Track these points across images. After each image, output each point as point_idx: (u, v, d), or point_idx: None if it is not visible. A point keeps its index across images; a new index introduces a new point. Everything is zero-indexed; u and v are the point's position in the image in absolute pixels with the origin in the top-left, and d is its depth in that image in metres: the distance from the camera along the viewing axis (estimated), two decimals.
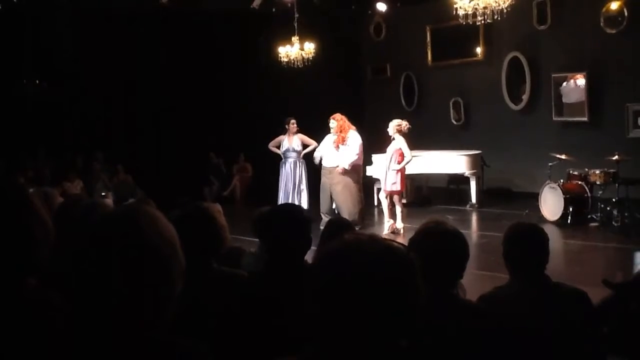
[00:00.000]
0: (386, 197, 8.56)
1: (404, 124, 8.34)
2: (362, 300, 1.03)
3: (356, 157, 8.49)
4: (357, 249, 1.08)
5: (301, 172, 9.29)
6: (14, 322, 1.33)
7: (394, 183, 8.33)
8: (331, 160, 8.59)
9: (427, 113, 12.64)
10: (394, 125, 8.33)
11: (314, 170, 9.22)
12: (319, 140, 9.02)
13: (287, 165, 9.33)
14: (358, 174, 8.72)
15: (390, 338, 1.05)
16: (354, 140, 8.52)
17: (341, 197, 8.51)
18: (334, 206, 8.74)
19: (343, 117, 8.61)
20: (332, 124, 8.57)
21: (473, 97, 12.17)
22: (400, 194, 8.61)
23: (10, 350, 1.30)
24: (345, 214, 8.17)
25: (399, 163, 8.29)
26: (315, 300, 1.07)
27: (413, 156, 8.69)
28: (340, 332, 1.04)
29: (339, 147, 8.51)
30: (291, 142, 9.30)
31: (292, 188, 9.26)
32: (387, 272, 1.05)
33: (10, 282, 1.39)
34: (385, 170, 8.49)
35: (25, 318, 1.35)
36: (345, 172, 8.48)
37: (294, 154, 9.30)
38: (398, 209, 8.51)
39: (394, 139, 8.35)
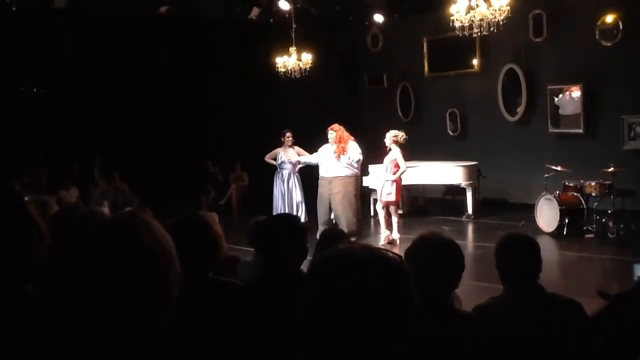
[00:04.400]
0: (382, 208, 8.56)
1: (401, 135, 8.36)
2: (354, 308, 1.03)
3: (360, 156, 8.48)
4: (351, 257, 1.08)
5: (294, 184, 9.30)
6: (11, 328, 1.33)
7: (389, 193, 8.34)
8: (331, 171, 8.56)
9: (424, 124, 12.68)
10: (391, 136, 8.36)
11: (310, 182, 9.22)
12: (315, 150, 9.03)
13: (281, 176, 9.35)
14: (356, 184, 8.74)
15: (383, 346, 1.05)
16: (354, 150, 8.55)
17: (341, 207, 8.49)
18: (332, 216, 8.74)
19: (341, 127, 8.61)
20: (331, 134, 8.55)
21: (469, 108, 12.22)
22: (396, 204, 8.61)
23: (6, 355, 1.30)
24: (344, 224, 8.17)
25: (394, 174, 8.30)
26: (308, 308, 1.07)
27: (409, 167, 8.69)
28: (332, 341, 1.04)
29: (340, 158, 8.51)
30: (287, 154, 9.31)
31: (286, 199, 9.27)
32: (380, 281, 1.06)
33: (6, 287, 1.39)
34: (381, 181, 8.51)
35: (22, 323, 1.35)
36: (345, 181, 8.47)
37: (289, 166, 9.31)
38: (394, 220, 8.51)
39: (390, 149, 8.37)
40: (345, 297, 1.04)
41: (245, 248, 5.05)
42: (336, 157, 8.49)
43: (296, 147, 9.35)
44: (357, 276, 1.05)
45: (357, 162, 8.50)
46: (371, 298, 1.04)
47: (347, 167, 8.49)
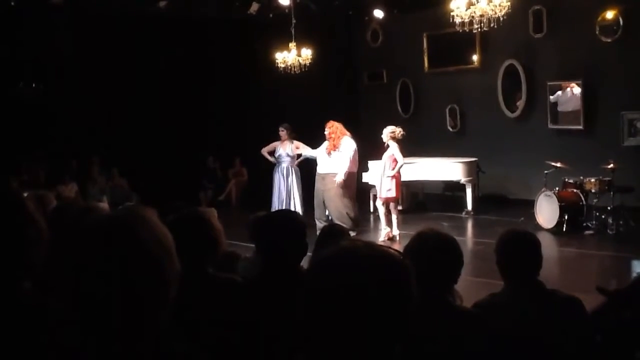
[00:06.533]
0: (382, 204, 8.55)
1: (398, 131, 8.36)
2: (356, 306, 1.03)
3: (348, 165, 8.47)
4: (353, 255, 1.07)
5: (293, 178, 9.28)
6: (10, 327, 1.32)
7: (389, 190, 8.34)
8: (324, 167, 8.59)
9: (423, 120, 12.67)
10: (388, 132, 8.35)
11: (307, 176, 9.21)
12: (313, 146, 9.02)
13: (280, 170, 9.34)
14: (352, 180, 8.73)
15: (384, 344, 1.04)
16: (348, 146, 8.52)
17: (332, 204, 8.51)
18: (327, 212, 8.73)
19: (334, 123, 8.63)
20: (326, 130, 8.58)
21: (469, 104, 12.20)
22: (395, 200, 8.61)
23: (5, 354, 1.29)
24: (337, 221, 8.17)
25: (393, 169, 8.30)
26: (309, 305, 1.06)
27: (409, 162, 8.68)
28: (334, 338, 1.03)
29: (331, 154, 8.52)
30: (285, 148, 9.30)
31: (285, 193, 9.27)
32: (382, 278, 1.05)
33: (4, 285, 1.38)
34: (380, 177, 8.50)
35: (21, 322, 1.34)
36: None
37: (287, 160, 9.29)
38: (394, 216, 8.51)
39: (388, 145, 8.37)
40: (347, 295, 1.03)
41: (244, 244, 5.04)
42: (327, 153, 8.51)
43: (295, 142, 9.32)
44: (359, 273, 1.04)
45: (347, 155, 8.43)
46: (373, 296, 1.03)
47: (340, 168, 8.47)
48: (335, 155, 8.49)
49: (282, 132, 9.28)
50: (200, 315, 2.25)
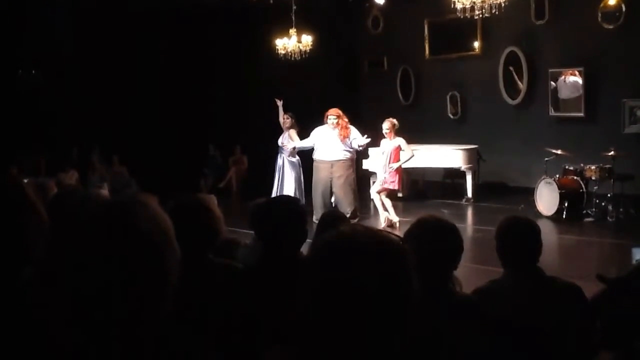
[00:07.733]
0: (378, 193, 8.56)
1: (396, 122, 8.46)
2: (356, 293, 1.03)
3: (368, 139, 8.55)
4: (353, 240, 1.07)
5: (288, 167, 9.23)
6: (9, 316, 1.32)
7: (392, 182, 8.40)
8: (333, 154, 8.52)
9: (424, 107, 12.63)
10: (390, 125, 8.37)
11: (304, 164, 9.19)
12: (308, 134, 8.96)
13: (279, 159, 9.32)
14: (354, 167, 8.77)
15: (385, 332, 1.05)
16: (355, 131, 8.58)
17: (342, 191, 8.50)
18: (332, 199, 8.72)
19: (340, 111, 8.61)
20: (334, 119, 8.48)
21: (470, 91, 12.16)
22: (395, 191, 8.67)
23: (5, 344, 1.29)
24: (347, 207, 8.22)
25: (395, 162, 8.34)
26: (309, 291, 1.06)
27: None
28: (333, 325, 1.04)
29: (346, 141, 8.52)
30: (283, 137, 9.28)
31: (280, 181, 9.27)
32: (382, 263, 1.05)
33: (4, 273, 1.38)
34: (382, 169, 8.53)
35: (21, 311, 1.34)
36: (347, 164, 8.49)
37: (286, 150, 9.27)
38: (387, 203, 8.53)
39: (385, 137, 8.42)
40: (347, 279, 1.03)
41: (244, 231, 5.06)
42: (341, 140, 8.47)
43: (291, 131, 9.23)
44: (359, 260, 1.04)
45: (362, 145, 8.51)
46: (373, 282, 1.03)
47: (346, 151, 8.51)
48: (347, 143, 8.49)
49: (288, 120, 9.25)
50: (200, 302, 2.25)
